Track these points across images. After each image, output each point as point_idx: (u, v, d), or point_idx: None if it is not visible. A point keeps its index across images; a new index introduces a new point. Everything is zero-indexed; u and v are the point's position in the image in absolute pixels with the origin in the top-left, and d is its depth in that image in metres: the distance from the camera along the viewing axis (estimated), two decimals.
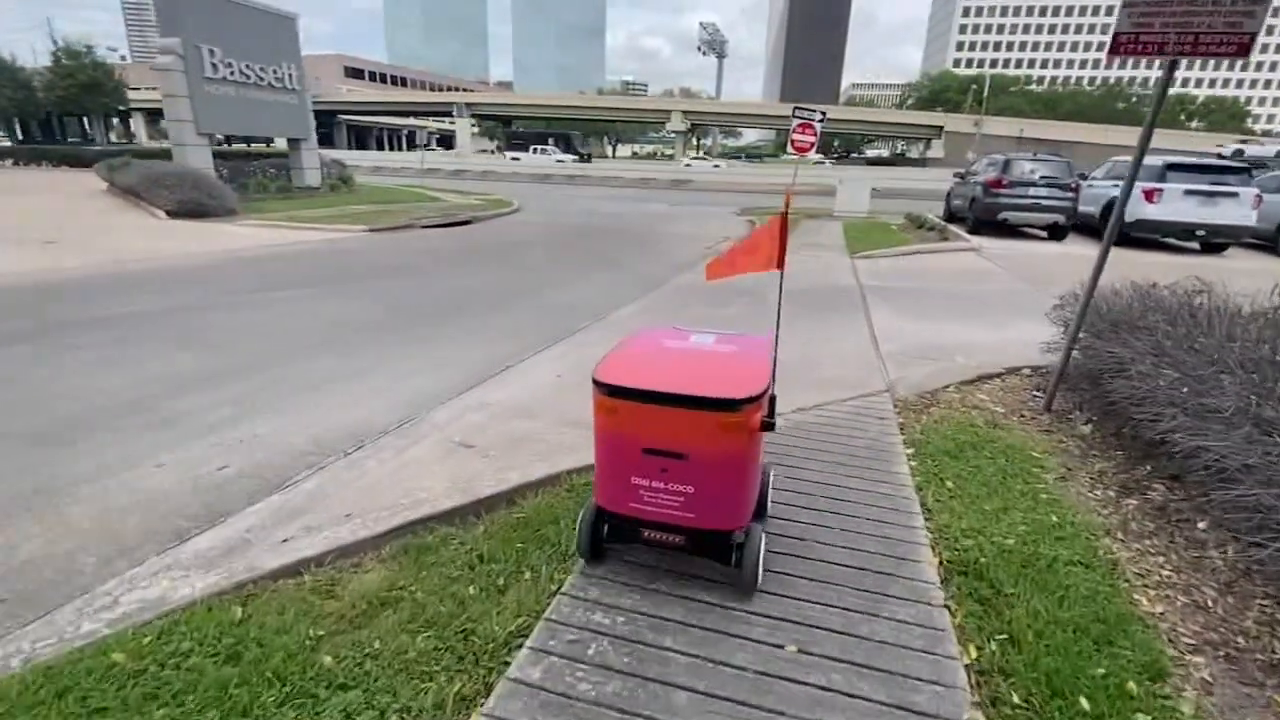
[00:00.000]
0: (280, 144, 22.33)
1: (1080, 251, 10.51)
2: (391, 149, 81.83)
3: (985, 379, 3.77)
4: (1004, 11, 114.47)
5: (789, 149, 13.55)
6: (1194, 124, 76.68)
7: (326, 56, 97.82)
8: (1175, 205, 10.18)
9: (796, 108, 12.67)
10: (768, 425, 1.80)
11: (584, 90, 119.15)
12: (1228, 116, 76.96)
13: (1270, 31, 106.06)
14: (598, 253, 10.79)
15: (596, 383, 1.82)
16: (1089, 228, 11.90)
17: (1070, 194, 11.01)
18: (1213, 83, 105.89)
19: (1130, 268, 10.12)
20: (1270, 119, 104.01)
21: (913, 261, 9.06)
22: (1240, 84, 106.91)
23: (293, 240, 11.05)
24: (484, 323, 5.78)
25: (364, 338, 5.20)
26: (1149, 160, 11.01)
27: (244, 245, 10.18)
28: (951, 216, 14.04)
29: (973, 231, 11.65)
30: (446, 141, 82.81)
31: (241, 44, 17.19)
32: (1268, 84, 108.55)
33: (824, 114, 12.81)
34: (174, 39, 15.64)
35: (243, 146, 32.04)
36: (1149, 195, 10.35)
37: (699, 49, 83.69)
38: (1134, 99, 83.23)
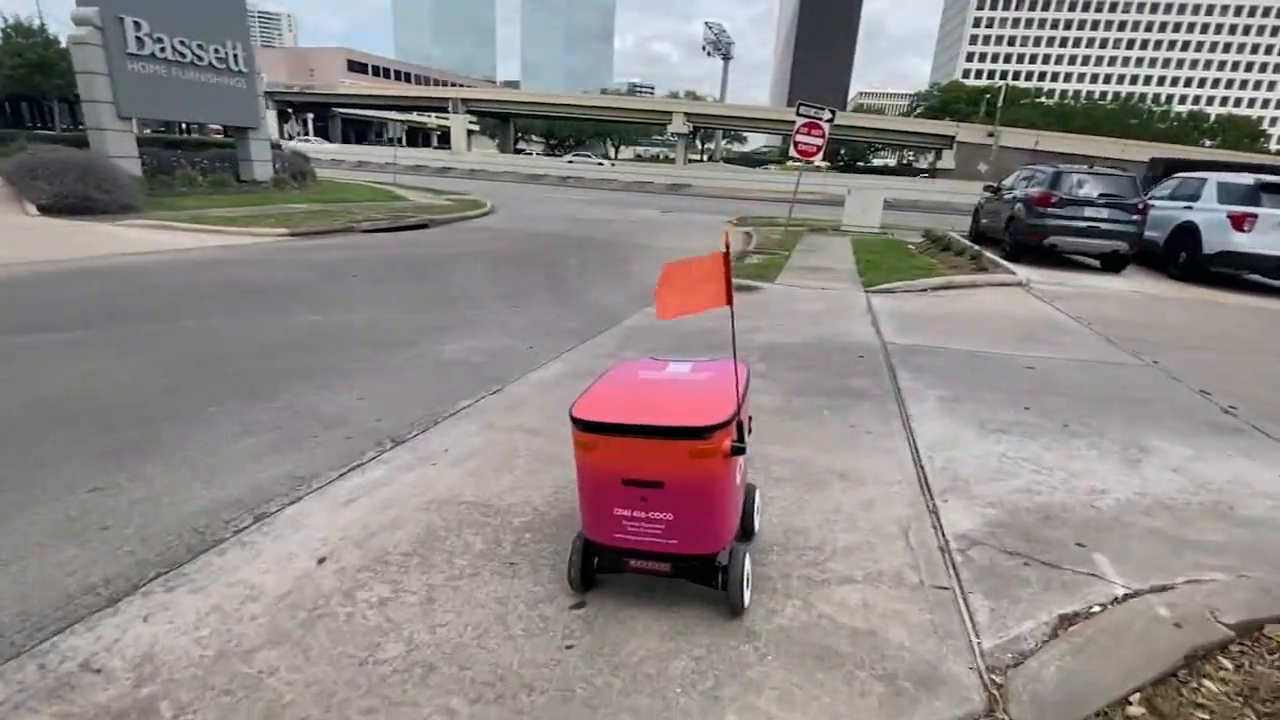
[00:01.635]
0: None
1: (1154, 290, 8.41)
2: (393, 145, 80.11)
3: (1198, 662, 1.67)
4: (1014, 24, 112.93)
5: (792, 151, 11.46)
6: (1207, 142, 74.78)
7: (330, 50, 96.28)
8: (1273, 235, 8.10)
9: (801, 104, 10.56)
10: (738, 450, 1.83)
11: (588, 91, 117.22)
12: (1243, 135, 75.06)
13: None
14: (552, 272, 8.73)
15: (574, 419, 1.85)
16: (1151, 257, 9.79)
17: (1136, 217, 8.90)
18: (1224, 101, 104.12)
19: (1216, 311, 7.87)
20: None
21: (949, 302, 6.95)
22: (1252, 103, 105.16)
23: (179, 247, 8.96)
24: (295, 401, 3.67)
25: (49, 441, 3.09)
26: (1236, 179, 8.92)
27: (103, 253, 8.08)
28: (980, 236, 11.95)
29: (1009, 257, 9.56)
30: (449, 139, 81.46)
31: (175, 17, 15.10)
32: None
33: (834, 112, 10.72)
34: (90, 8, 13.59)
35: (210, 135, 29.94)
36: (1238, 222, 8.26)
37: (703, 48, 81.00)
38: (1148, 114, 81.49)
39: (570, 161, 42.57)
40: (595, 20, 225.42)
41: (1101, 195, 8.92)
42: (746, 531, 2.25)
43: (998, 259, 8.96)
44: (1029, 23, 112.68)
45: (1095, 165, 9.74)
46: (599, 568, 2.03)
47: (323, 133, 77.63)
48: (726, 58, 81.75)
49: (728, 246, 1.80)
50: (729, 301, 1.82)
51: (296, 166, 20.72)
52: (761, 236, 14.07)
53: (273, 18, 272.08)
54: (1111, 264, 9.44)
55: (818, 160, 11.54)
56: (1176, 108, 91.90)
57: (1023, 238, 9.37)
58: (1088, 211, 8.90)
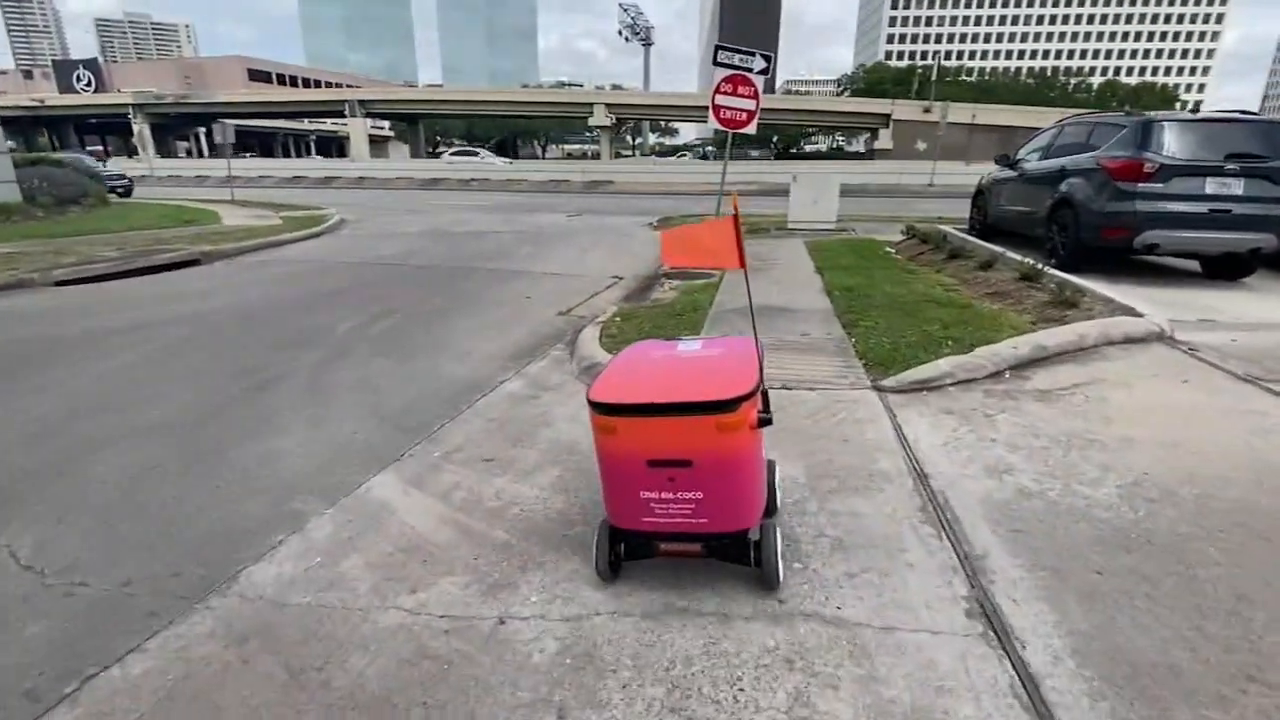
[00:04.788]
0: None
1: None
2: (300, 155, 73.61)
3: None
4: (932, 3, 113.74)
5: (713, 122, 7.51)
6: (1126, 109, 75.75)
7: (228, 59, 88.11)
8: None
9: (720, 47, 6.44)
10: (764, 421, 1.77)
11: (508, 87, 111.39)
12: (1159, 101, 76.33)
13: (1182, 19, 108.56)
14: (268, 364, 4.53)
15: (592, 403, 1.77)
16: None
17: None
18: (1129, 71, 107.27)
19: None
20: (1197, 105, 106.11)
21: (1083, 419, 2.90)
22: (1155, 71, 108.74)
23: None
24: None
25: None
26: None
27: None
28: (988, 230, 8.32)
29: (1066, 266, 5.84)
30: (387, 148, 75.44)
31: None
32: (1193, 70, 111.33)
33: (768, 58, 6.73)
34: None
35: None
36: None
37: (620, 33, 75.77)
38: (1068, 87, 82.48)
39: (450, 162, 37.77)
40: (516, 19, 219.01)
41: (1231, 157, 5.26)
42: (770, 506, 2.16)
43: (1069, 277, 5.16)
44: (944, 2, 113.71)
45: (1194, 106, 6.09)
46: (626, 554, 1.95)
47: (213, 148, 70.34)
48: (646, 43, 77.00)
49: (736, 209, 1.80)
50: (741, 264, 1.80)
51: (73, 188, 15.64)
52: None
53: (169, 28, 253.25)
54: (1229, 267, 5.85)
55: (750, 129, 7.61)
56: (1091, 79, 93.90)
57: (1093, 236, 5.66)
58: (1210, 186, 5.24)
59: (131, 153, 57.88)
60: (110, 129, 73.70)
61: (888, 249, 8.76)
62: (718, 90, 7.60)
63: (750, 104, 7.71)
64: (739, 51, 7.60)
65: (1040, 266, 5.24)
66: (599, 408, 1.74)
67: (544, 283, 7.78)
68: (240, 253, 10.39)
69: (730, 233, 1.77)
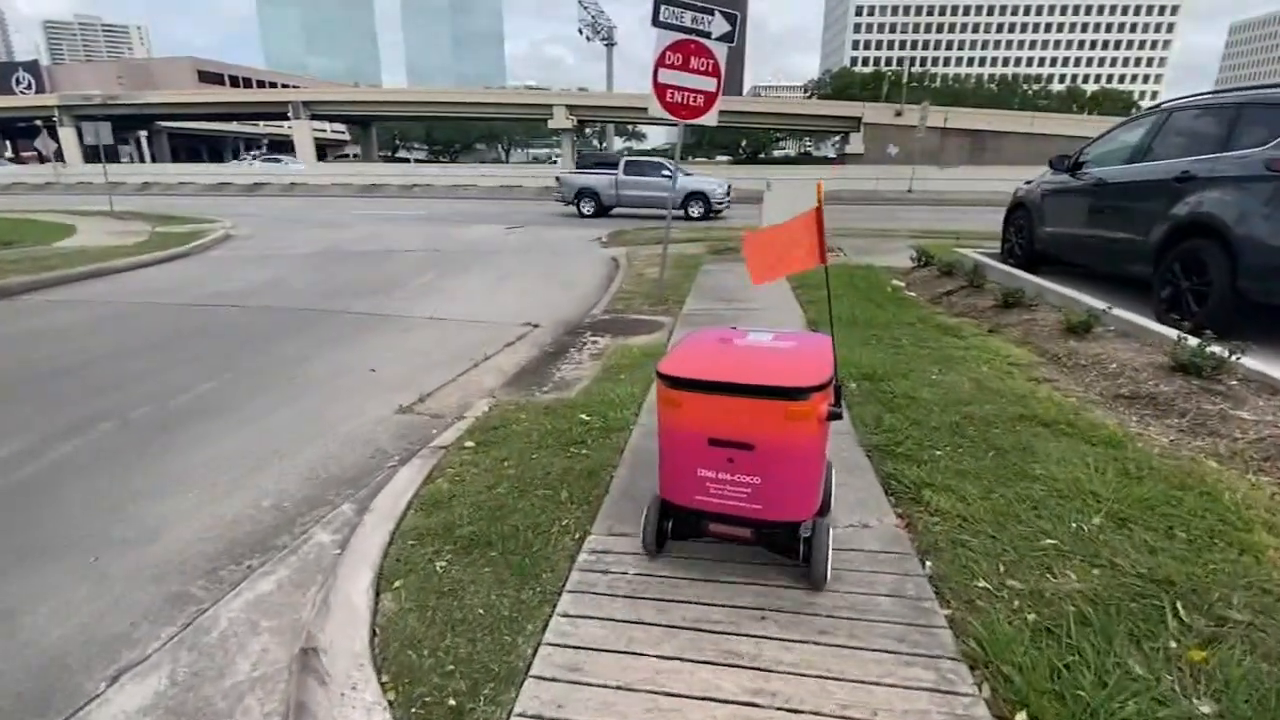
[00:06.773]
0: None
1: None
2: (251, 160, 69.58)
3: None
4: (895, 11, 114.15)
5: (655, 109, 5.14)
6: (1085, 114, 76.45)
7: (176, 59, 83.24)
8: None
9: (662, 1, 4.14)
10: (835, 415, 1.73)
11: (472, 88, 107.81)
12: (1121, 107, 77.01)
13: (1145, 29, 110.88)
14: None
15: (660, 375, 1.77)
16: None
17: None
18: (1086, 78, 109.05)
19: None
20: None
21: None
22: (1111, 79, 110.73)
23: None
24: None
25: None
26: None
27: None
28: (1035, 259, 6.11)
29: (1205, 329, 3.60)
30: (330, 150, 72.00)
31: None
32: (1145, 79, 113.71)
33: (733, 18, 4.46)
34: None
35: None
36: None
37: (580, 31, 72.53)
38: (1029, 93, 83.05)
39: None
40: (482, 23, 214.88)
41: None
42: (824, 505, 2.10)
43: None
44: (907, 10, 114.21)
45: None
46: (673, 532, 1.95)
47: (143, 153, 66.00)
48: (608, 43, 74.15)
49: (820, 200, 1.77)
50: (823, 260, 1.80)
51: None
52: (634, 271, 7.84)
53: (120, 30, 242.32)
54: None
55: (710, 119, 5.27)
56: (1054, 86, 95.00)
57: (1267, 286, 3.44)
58: None
59: (44, 159, 53.24)
60: (42, 133, 68.96)
61: (896, 283, 6.49)
62: (661, 62, 5.21)
63: (709, 83, 5.35)
64: (690, 8, 5.23)
65: (1223, 353, 2.96)
66: (667, 380, 1.73)
67: (416, 336, 5.33)
68: (33, 287, 7.71)
69: (812, 228, 1.77)
